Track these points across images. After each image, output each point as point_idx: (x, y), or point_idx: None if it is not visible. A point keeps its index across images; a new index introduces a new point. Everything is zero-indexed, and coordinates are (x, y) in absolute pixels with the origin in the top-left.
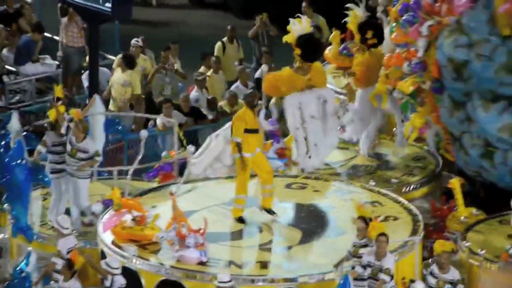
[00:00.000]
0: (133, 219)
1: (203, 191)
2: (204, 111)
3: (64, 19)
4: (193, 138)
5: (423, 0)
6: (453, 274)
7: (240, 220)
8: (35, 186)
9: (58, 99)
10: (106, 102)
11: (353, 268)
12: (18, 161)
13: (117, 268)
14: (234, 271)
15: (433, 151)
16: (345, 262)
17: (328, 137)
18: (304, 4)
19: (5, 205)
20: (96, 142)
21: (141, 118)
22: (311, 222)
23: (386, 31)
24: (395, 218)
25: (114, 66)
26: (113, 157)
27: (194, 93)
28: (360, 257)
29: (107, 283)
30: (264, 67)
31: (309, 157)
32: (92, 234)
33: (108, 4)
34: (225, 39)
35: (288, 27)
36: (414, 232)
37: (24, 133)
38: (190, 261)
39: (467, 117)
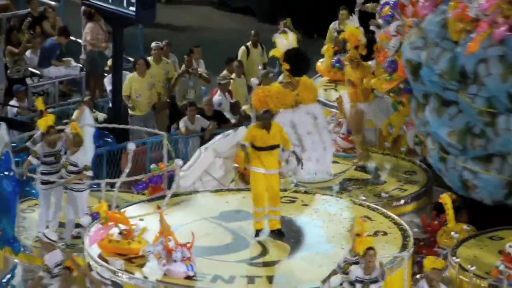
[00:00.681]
0: (120, 233)
1: (191, 205)
2: (227, 115)
3: (88, 23)
4: None
5: (399, 0)
6: None
7: (257, 234)
8: (23, 198)
9: (41, 112)
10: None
11: (341, 284)
12: (5, 173)
13: (108, 279)
14: (221, 285)
15: (424, 166)
16: (332, 276)
17: (327, 151)
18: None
19: None
20: (86, 154)
21: (164, 121)
22: (299, 237)
23: None
24: (385, 233)
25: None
26: (135, 161)
27: (217, 97)
28: (346, 272)
29: None
30: (254, 80)
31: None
32: (79, 247)
33: (132, 8)
34: (249, 43)
35: (274, 41)
36: (403, 248)
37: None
38: (176, 275)
39: (427, 120)
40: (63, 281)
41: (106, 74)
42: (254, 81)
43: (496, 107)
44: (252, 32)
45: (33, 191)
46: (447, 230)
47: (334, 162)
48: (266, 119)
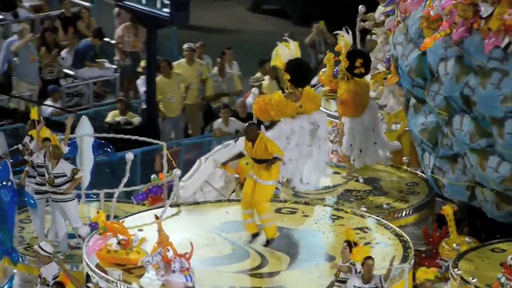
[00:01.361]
0: (119, 243)
1: (191, 215)
2: None
3: (122, 24)
4: None
5: None
6: None
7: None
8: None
9: (33, 122)
10: None
11: None
12: (4, 183)
13: None
14: None
15: (426, 177)
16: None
17: (319, 161)
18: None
19: None
20: (84, 164)
21: (198, 123)
22: (299, 248)
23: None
24: (386, 245)
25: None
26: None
27: (250, 99)
28: (342, 281)
29: None
30: (254, 90)
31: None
32: (78, 257)
33: (166, 10)
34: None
35: (276, 51)
36: (404, 259)
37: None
38: (175, 285)
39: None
40: None
41: (139, 76)
42: (254, 91)
43: (452, 107)
44: (286, 34)
45: (32, 201)
46: (449, 242)
47: (335, 172)
48: (248, 132)
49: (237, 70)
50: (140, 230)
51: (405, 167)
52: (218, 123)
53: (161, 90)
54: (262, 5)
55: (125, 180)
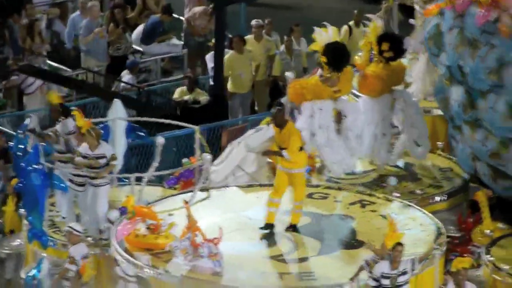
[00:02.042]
0: (147, 227)
1: (222, 200)
2: None
3: (191, 2)
4: None
5: None
6: None
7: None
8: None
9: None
10: None
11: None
12: (34, 166)
13: (132, 276)
14: (249, 282)
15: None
16: (360, 273)
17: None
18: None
19: (21, 211)
20: (117, 148)
21: (264, 99)
22: (330, 233)
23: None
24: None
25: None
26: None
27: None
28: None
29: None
30: (289, 74)
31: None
32: (107, 241)
33: None
34: (351, 22)
35: (314, 36)
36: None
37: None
38: (203, 271)
39: None
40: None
41: (207, 52)
42: (289, 75)
43: (453, 77)
44: (355, 11)
45: (62, 185)
46: (482, 228)
47: None
48: (276, 117)
49: (305, 47)
50: (171, 214)
51: (439, 151)
52: (285, 99)
53: (231, 66)
54: None
55: (155, 164)
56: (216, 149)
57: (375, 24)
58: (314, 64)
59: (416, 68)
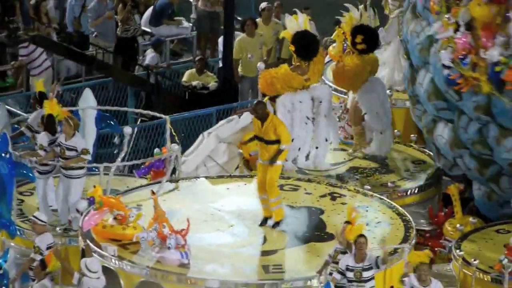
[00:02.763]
0: (115, 218)
1: (191, 191)
2: None
3: None
4: None
5: None
6: (436, 286)
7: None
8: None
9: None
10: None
11: (330, 274)
12: (2, 155)
13: (93, 272)
14: (216, 274)
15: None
16: (326, 267)
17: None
18: None
19: None
20: (87, 138)
21: None
22: (299, 226)
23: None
24: (387, 224)
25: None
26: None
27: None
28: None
29: (74, 281)
30: (260, 65)
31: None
32: (75, 232)
33: None
34: (361, 6)
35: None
36: (405, 239)
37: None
38: (170, 262)
39: None
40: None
41: (218, 35)
42: (260, 65)
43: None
44: None
45: (30, 174)
46: (453, 222)
47: (342, 149)
48: (257, 110)
49: (314, 30)
50: (139, 205)
51: (413, 144)
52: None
53: (242, 48)
54: None
55: (122, 154)
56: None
57: (351, 15)
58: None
59: (385, 56)
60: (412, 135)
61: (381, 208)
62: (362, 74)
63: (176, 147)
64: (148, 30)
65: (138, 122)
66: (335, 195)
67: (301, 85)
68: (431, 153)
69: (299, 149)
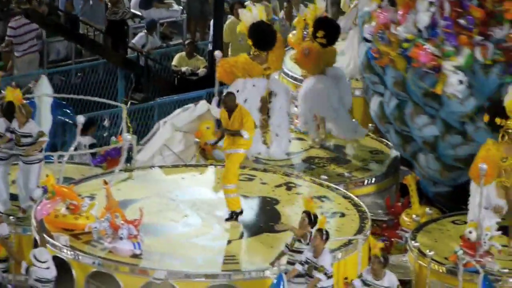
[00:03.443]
0: (67, 208)
1: (146, 180)
2: None
3: None
4: None
5: None
6: (390, 279)
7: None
8: None
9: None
10: None
11: (291, 264)
12: None
13: (41, 262)
14: (168, 264)
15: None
16: (281, 257)
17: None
18: None
19: None
20: (43, 125)
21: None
22: (254, 216)
23: None
24: (342, 215)
25: None
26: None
27: None
28: (297, 251)
29: (22, 270)
30: (217, 53)
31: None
32: (29, 221)
33: None
34: None
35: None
36: (360, 230)
37: None
38: (122, 253)
39: None
40: None
41: (209, 18)
42: (218, 54)
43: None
44: None
45: None
46: (410, 212)
47: (299, 139)
48: (226, 101)
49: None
50: (93, 194)
51: (370, 134)
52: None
53: (232, 31)
54: None
55: (75, 143)
56: None
57: (316, 6)
58: None
59: (344, 45)
60: (370, 125)
61: (337, 199)
62: (322, 60)
63: (128, 137)
64: (138, 13)
65: (128, 105)
66: (290, 185)
67: (261, 74)
68: (388, 143)
69: None
